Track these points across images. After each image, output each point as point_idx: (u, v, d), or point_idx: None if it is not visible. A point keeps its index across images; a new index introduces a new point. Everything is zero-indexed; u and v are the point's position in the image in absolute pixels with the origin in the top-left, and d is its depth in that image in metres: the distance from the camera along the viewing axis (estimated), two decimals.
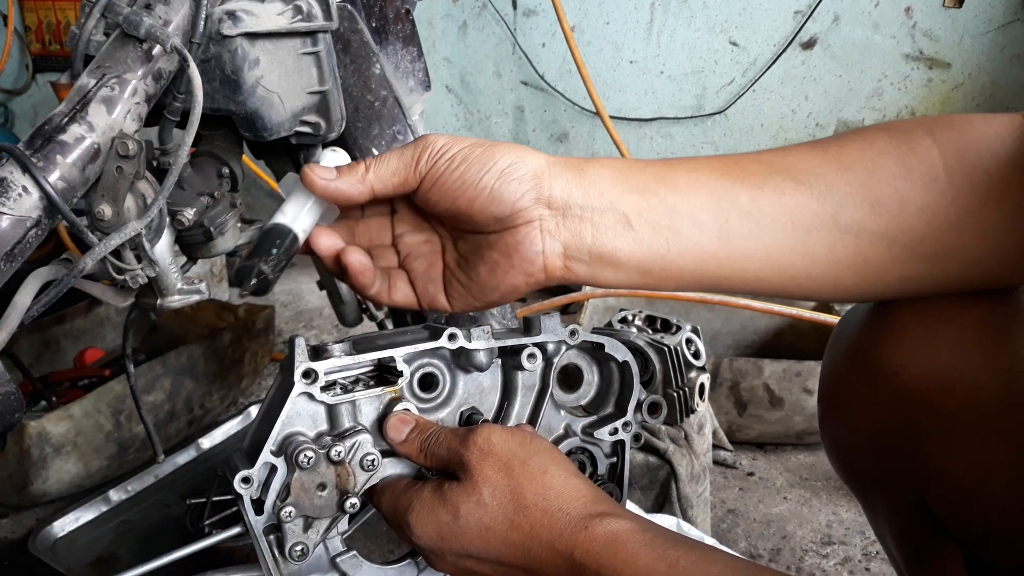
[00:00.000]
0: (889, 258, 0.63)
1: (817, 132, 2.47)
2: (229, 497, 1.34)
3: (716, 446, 1.63)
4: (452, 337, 0.69)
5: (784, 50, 2.38)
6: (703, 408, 1.44)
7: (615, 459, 0.79)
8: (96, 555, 1.33)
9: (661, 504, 1.32)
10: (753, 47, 2.43)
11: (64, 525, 1.36)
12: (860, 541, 1.45)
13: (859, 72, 2.35)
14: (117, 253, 0.81)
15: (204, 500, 1.32)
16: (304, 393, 0.65)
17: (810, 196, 0.62)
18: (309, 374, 0.65)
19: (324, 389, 0.67)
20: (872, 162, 0.61)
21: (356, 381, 0.69)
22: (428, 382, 0.73)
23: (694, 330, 0.95)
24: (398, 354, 0.68)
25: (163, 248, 0.86)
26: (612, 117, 2.47)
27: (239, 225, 1.00)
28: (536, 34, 2.63)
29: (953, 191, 0.60)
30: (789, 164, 0.63)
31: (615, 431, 0.77)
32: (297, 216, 0.66)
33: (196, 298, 0.90)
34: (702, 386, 0.93)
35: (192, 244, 0.94)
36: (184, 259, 0.95)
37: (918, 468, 0.68)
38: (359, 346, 0.70)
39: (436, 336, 0.69)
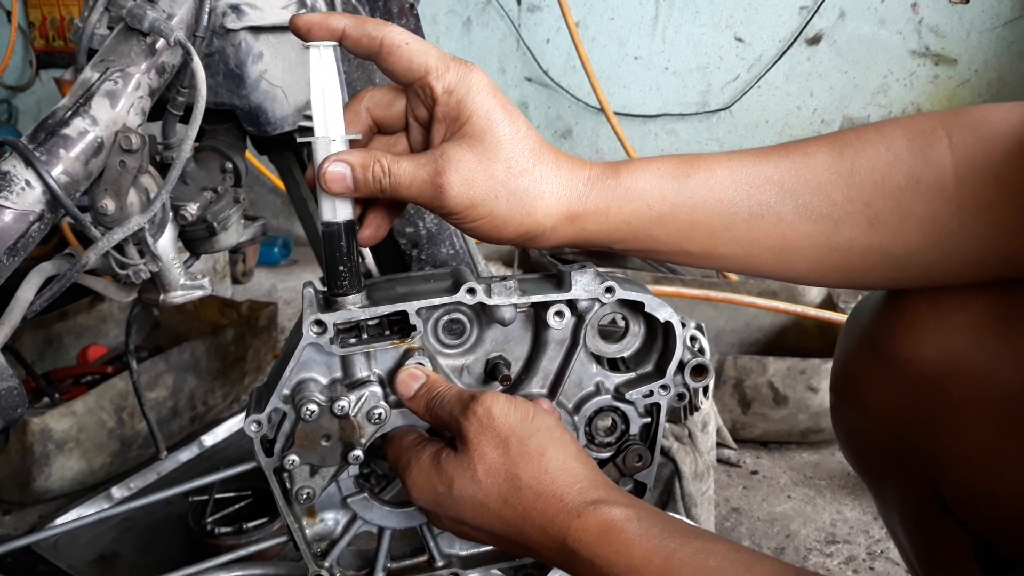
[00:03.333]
0: (879, 266, 0.65)
1: (822, 128, 2.46)
2: (232, 494, 1.33)
3: (720, 444, 1.62)
4: (471, 291, 0.66)
5: (790, 46, 2.37)
6: (707, 406, 1.44)
7: (649, 419, 0.74)
8: (98, 552, 1.32)
9: (665, 502, 1.32)
10: (758, 43, 2.42)
11: (66, 521, 1.35)
12: (864, 540, 1.45)
13: (865, 68, 2.35)
14: (120, 248, 0.80)
15: (207, 497, 1.32)
16: (314, 344, 0.64)
17: (808, 220, 0.63)
18: (319, 324, 0.64)
19: (342, 332, 0.66)
20: (882, 175, 0.62)
21: (379, 324, 0.68)
22: (453, 328, 0.71)
23: (698, 327, 0.94)
24: (412, 308, 0.65)
25: (166, 243, 0.85)
26: (616, 113, 2.46)
27: (242, 221, 1.00)
28: (540, 30, 2.62)
29: (959, 199, 0.60)
30: (803, 180, 0.63)
31: (650, 393, 0.72)
32: (335, 207, 0.65)
33: (199, 293, 0.90)
34: (706, 384, 0.92)
35: (195, 239, 0.94)
36: (187, 254, 0.95)
37: (930, 455, 0.68)
38: (377, 294, 0.67)
39: (456, 288, 0.66)
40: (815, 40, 2.37)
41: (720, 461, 1.63)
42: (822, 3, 2.30)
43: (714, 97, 2.52)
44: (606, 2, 2.53)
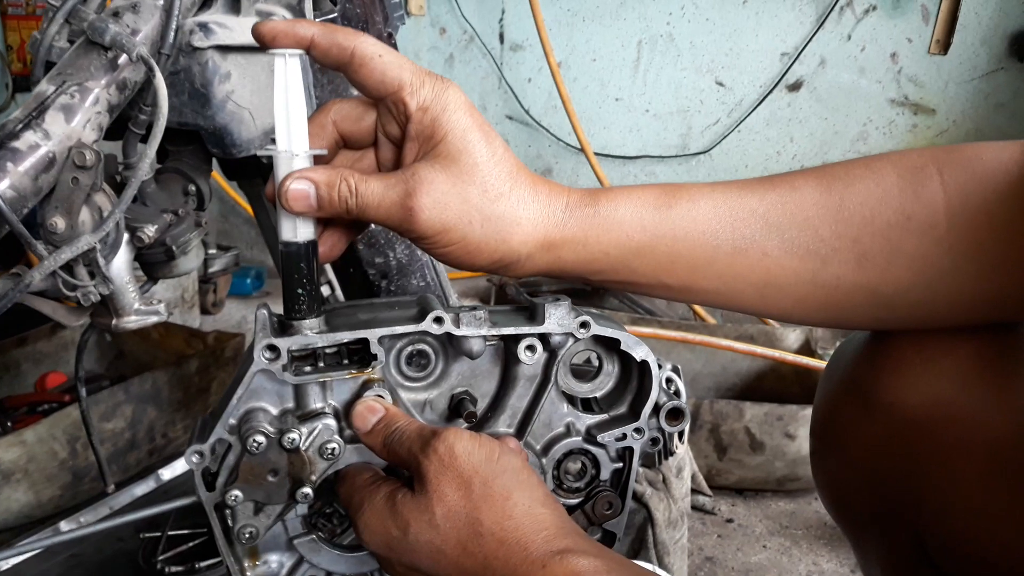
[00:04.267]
0: (866, 304, 0.62)
1: None
2: (186, 532, 1.28)
3: (695, 491, 1.58)
4: (438, 320, 0.62)
5: (770, 91, 2.39)
6: (682, 451, 1.40)
7: (621, 464, 0.71)
8: None
9: (637, 550, 1.28)
10: (739, 88, 2.43)
11: (8, 558, 1.29)
12: None
13: (844, 115, 2.36)
14: (69, 268, 0.76)
15: (159, 534, 1.26)
16: (265, 371, 0.60)
17: (794, 256, 0.61)
18: (272, 349, 0.59)
19: (297, 360, 0.62)
20: (872, 211, 0.60)
21: (337, 353, 0.63)
22: (418, 360, 0.67)
23: (674, 369, 0.91)
24: (373, 336, 0.61)
25: (120, 265, 0.81)
26: (596, 154, 2.46)
27: (209, 248, 0.96)
28: (522, 69, 2.62)
29: (952, 238, 0.58)
30: (789, 215, 0.61)
31: (623, 436, 0.68)
32: (296, 226, 0.61)
33: (154, 319, 0.86)
34: (682, 428, 0.89)
35: (153, 263, 0.90)
36: (144, 279, 0.91)
37: (915, 505, 0.65)
38: (336, 320, 0.63)
39: (423, 316, 0.62)
40: (795, 87, 2.38)
41: (694, 508, 1.60)
42: (802, 50, 2.32)
43: (694, 140, 2.52)
44: (588, 43, 2.54)
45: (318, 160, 0.63)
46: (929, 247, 0.58)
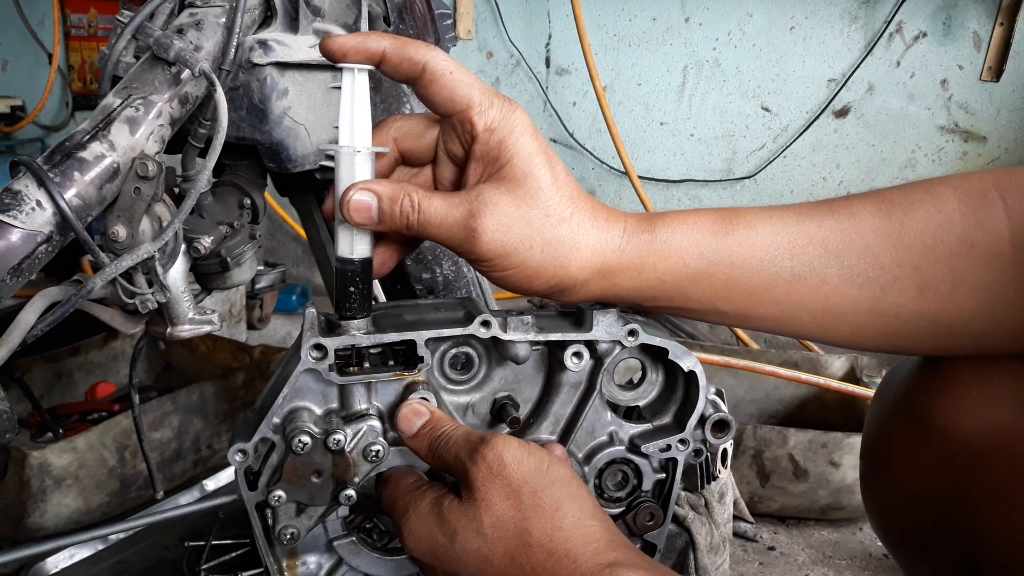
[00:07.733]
0: (927, 333, 0.61)
1: None
2: (229, 542, 1.29)
3: (737, 517, 1.56)
4: (485, 324, 0.62)
5: (817, 117, 2.37)
6: (725, 475, 1.38)
7: (664, 475, 0.70)
8: None
9: None
10: (785, 113, 2.42)
11: (57, 562, 1.31)
12: None
13: (892, 142, 2.33)
14: (129, 276, 0.78)
15: (203, 544, 1.27)
16: (311, 370, 0.60)
17: (853, 284, 0.60)
18: (319, 348, 0.60)
19: (341, 360, 0.62)
20: (933, 238, 0.58)
21: (382, 353, 0.64)
22: (461, 363, 0.67)
23: (718, 392, 0.91)
24: (420, 338, 0.61)
25: (176, 275, 0.84)
26: (640, 177, 2.46)
27: (258, 260, 0.98)
28: (568, 92, 2.64)
29: (1017, 266, 0.57)
30: (848, 241, 0.60)
31: (667, 447, 0.68)
32: (353, 241, 0.62)
33: (207, 329, 0.87)
34: (725, 452, 0.88)
35: (208, 274, 0.92)
36: (198, 289, 0.93)
37: (970, 534, 0.63)
38: (383, 321, 0.64)
39: (469, 319, 0.62)
40: (843, 112, 2.36)
41: (736, 535, 1.57)
42: (850, 76, 2.30)
43: (739, 165, 2.51)
44: (634, 68, 2.55)
45: (379, 159, 0.63)
46: (993, 275, 0.57)
